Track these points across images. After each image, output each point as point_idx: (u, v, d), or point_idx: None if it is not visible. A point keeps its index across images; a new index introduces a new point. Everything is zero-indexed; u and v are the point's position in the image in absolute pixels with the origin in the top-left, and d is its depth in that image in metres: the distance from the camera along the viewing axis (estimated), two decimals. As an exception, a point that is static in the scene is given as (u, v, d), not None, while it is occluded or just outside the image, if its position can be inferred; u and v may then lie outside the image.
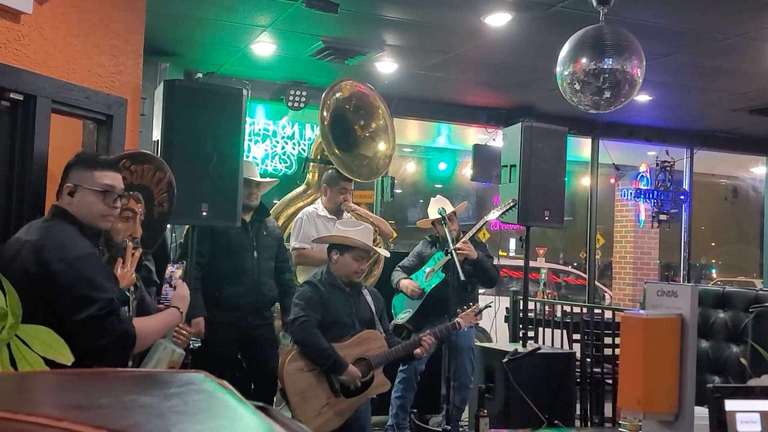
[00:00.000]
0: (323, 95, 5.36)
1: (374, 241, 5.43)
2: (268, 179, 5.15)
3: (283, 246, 5.10)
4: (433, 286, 5.41)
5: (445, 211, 5.46)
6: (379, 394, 5.81)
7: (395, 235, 6.33)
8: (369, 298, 4.44)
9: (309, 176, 5.76)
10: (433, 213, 5.64)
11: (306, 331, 4.12)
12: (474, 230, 5.51)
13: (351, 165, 5.37)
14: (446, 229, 5.27)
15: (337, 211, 5.30)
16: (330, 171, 5.37)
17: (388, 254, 5.18)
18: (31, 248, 2.61)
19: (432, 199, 5.88)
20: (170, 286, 3.21)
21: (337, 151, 5.31)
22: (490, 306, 4.95)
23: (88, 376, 1.07)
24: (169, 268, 3.29)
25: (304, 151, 8.60)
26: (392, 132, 5.63)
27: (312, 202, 5.53)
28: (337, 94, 5.44)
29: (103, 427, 0.70)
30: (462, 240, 5.39)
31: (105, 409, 0.81)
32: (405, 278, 5.60)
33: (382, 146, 5.60)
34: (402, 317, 5.53)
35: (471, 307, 4.64)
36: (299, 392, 4.06)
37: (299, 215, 5.36)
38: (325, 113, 5.31)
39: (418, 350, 4.36)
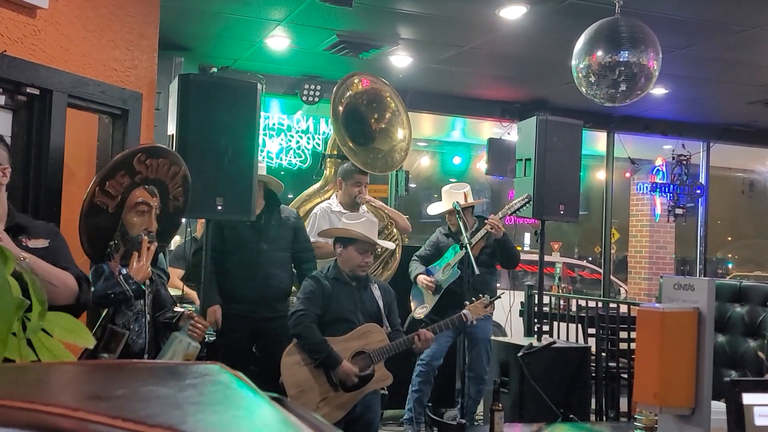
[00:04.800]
0: (334, 89, 5.35)
1: (390, 235, 5.41)
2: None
3: (301, 235, 5.02)
4: (450, 282, 5.39)
5: (459, 204, 5.44)
6: (395, 388, 5.83)
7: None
8: (378, 293, 4.37)
9: (326, 172, 5.75)
10: (447, 203, 5.62)
11: (301, 324, 4.10)
12: (510, 210, 5.42)
13: (366, 158, 5.37)
14: (461, 223, 5.25)
15: (352, 205, 5.28)
16: (345, 164, 5.36)
17: (392, 246, 5.13)
18: None
19: (451, 184, 5.85)
20: None
21: (351, 145, 5.30)
22: (500, 297, 4.88)
23: (104, 367, 1.08)
24: None
25: (318, 145, 8.60)
26: (408, 126, 5.62)
27: (329, 198, 5.53)
28: (350, 90, 5.44)
29: (119, 417, 0.70)
30: (494, 217, 5.37)
31: (121, 399, 0.81)
32: (422, 273, 5.58)
33: (397, 140, 5.59)
34: (419, 312, 5.52)
35: (480, 299, 4.59)
36: (297, 385, 4.04)
37: (314, 211, 5.38)
38: (339, 108, 5.31)
39: (416, 344, 4.28)
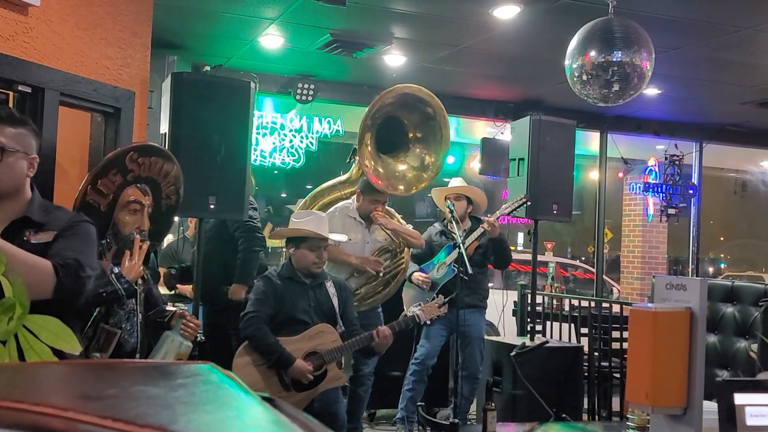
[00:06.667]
0: (381, 95, 5.11)
1: (400, 256, 5.35)
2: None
3: (231, 224, 4.87)
4: (446, 280, 5.39)
5: (453, 205, 5.44)
6: (389, 388, 5.83)
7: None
8: (332, 290, 4.34)
9: (354, 169, 5.47)
10: (455, 184, 5.62)
11: (253, 326, 4.08)
12: (507, 210, 5.41)
13: (389, 172, 5.20)
14: (455, 224, 5.25)
15: (367, 218, 5.15)
16: (366, 178, 5.16)
17: (343, 238, 4.98)
18: None
19: (456, 179, 5.87)
20: None
21: (372, 160, 5.11)
22: (453, 297, 4.84)
23: (95, 366, 1.07)
24: None
25: (312, 144, 8.59)
26: (438, 162, 5.45)
27: (350, 196, 5.36)
28: (390, 99, 5.22)
29: (110, 417, 0.70)
30: (491, 218, 5.36)
31: (112, 399, 0.81)
32: (416, 271, 5.56)
33: (422, 168, 5.39)
34: (413, 311, 5.51)
35: (434, 299, 4.59)
36: (248, 386, 4.04)
37: (331, 210, 5.21)
38: (373, 117, 5.04)
39: (375, 341, 4.22)
